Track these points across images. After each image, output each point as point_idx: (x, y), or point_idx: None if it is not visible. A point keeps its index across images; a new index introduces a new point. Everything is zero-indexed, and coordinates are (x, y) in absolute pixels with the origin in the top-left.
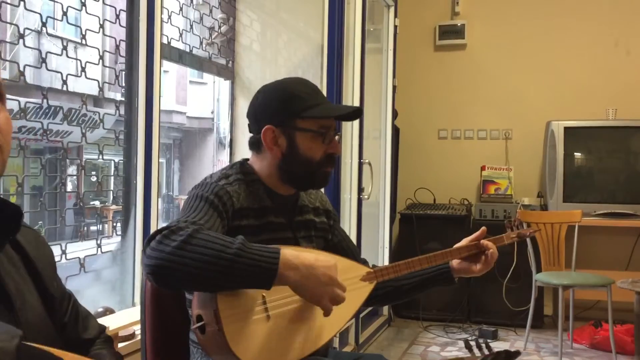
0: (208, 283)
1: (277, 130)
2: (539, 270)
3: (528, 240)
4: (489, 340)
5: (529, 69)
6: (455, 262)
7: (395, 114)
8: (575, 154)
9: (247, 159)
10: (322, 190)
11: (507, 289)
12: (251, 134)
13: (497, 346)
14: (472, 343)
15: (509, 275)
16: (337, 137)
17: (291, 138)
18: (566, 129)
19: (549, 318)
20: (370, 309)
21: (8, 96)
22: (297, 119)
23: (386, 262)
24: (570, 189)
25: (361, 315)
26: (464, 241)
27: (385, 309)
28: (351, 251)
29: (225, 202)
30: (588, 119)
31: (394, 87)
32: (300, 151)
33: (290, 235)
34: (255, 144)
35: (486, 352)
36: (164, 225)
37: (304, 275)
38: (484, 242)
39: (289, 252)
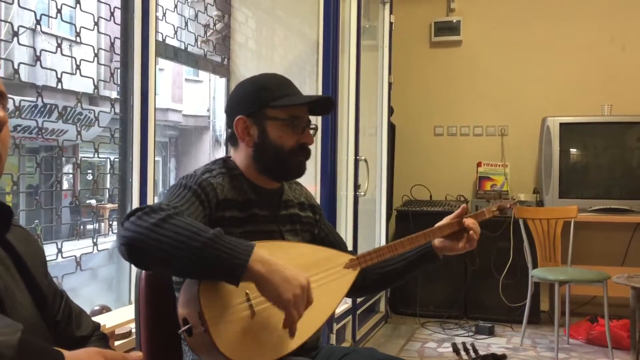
0: (177, 264)
1: (249, 120)
2: (535, 266)
3: (524, 235)
4: (485, 336)
5: (525, 65)
6: (437, 241)
7: (391, 111)
8: (570, 150)
9: (230, 156)
10: (316, 187)
11: (503, 285)
12: (229, 130)
13: (494, 342)
14: (460, 346)
15: (505, 271)
16: (312, 130)
17: (262, 127)
18: (562, 125)
19: (545, 314)
20: (366, 305)
21: None
22: (267, 108)
23: None
24: (566, 185)
25: (358, 312)
26: (445, 219)
27: (382, 306)
28: (338, 244)
29: (208, 193)
30: (584, 115)
31: (390, 84)
32: (271, 140)
33: (275, 229)
34: (232, 138)
35: (473, 355)
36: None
37: (273, 270)
38: (466, 220)
39: (262, 250)
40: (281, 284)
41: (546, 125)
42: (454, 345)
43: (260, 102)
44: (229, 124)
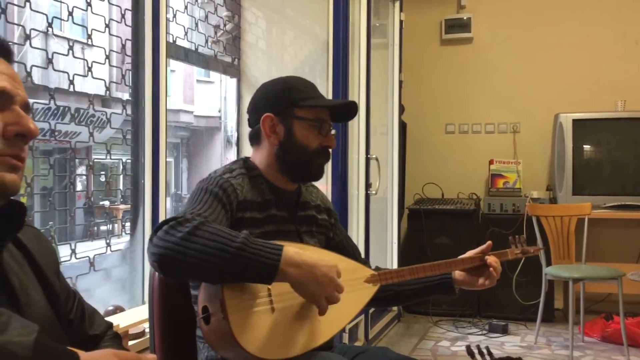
0: (210, 274)
1: (276, 118)
2: (548, 263)
3: (537, 233)
4: (499, 335)
5: (537, 62)
6: (458, 274)
7: (402, 109)
8: (584, 146)
9: (249, 157)
10: (327, 187)
11: (517, 283)
12: (251, 129)
13: (508, 340)
14: (474, 349)
15: (518, 269)
16: (332, 133)
17: (289, 126)
18: (575, 121)
19: (559, 312)
20: None
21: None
22: (295, 107)
23: (395, 258)
24: (580, 182)
25: (370, 311)
26: (469, 253)
27: None
28: (352, 251)
29: (230, 195)
30: (597, 110)
31: (401, 82)
32: (297, 139)
33: (293, 229)
34: (254, 136)
35: (488, 358)
36: (172, 216)
37: (304, 273)
38: (489, 257)
39: (292, 250)
40: (313, 287)
41: (559, 122)
42: (468, 348)
43: (289, 101)
44: (253, 122)
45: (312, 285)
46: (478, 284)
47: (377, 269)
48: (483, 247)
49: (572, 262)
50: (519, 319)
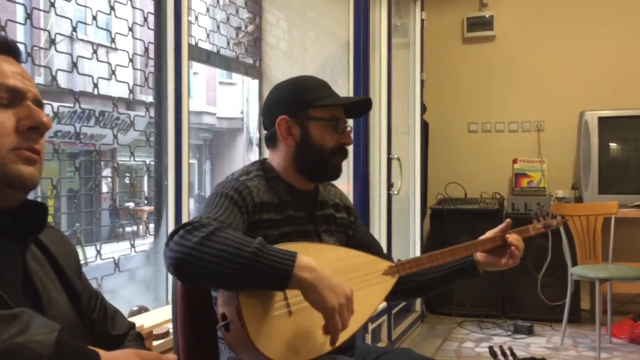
0: (224, 280)
1: (291, 120)
2: (574, 263)
3: (563, 233)
4: (524, 336)
5: (561, 59)
6: (480, 255)
7: (424, 109)
8: (610, 144)
9: (266, 159)
10: (348, 187)
11: (542, 283)
12: (266, 131)
13: (533, 342)
14: (497, 349)
15: (544, 270)
16: (348, 129)
17: (304, 127)
18: (600, 119)
19: (586, 312)
20: (402, 305)
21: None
22: (310, 108)
23: None
24: (606, 180)
25: (393, 312)
26: (489, 233)
27: (418, 305)
28: (374, 247)
29: (245, 197)
30: (623, 108)
31: (422, 82)
32: (314, 140)
33: (312, 229)
34: (270, 139)
35: (511, 358)
36: (188, 221)
37: (318, 278)
38: (509, 236)
39: (306, 257)
40: (326, 292)
41: (584, 120)
42: (491, 349)
43: (303, 102)
44: (268, 124)
45: (324, 291)
46: (501, 263)
47: (397, 262)
48: (502, 225)
49: (599, 262)
50: (545, 320)
